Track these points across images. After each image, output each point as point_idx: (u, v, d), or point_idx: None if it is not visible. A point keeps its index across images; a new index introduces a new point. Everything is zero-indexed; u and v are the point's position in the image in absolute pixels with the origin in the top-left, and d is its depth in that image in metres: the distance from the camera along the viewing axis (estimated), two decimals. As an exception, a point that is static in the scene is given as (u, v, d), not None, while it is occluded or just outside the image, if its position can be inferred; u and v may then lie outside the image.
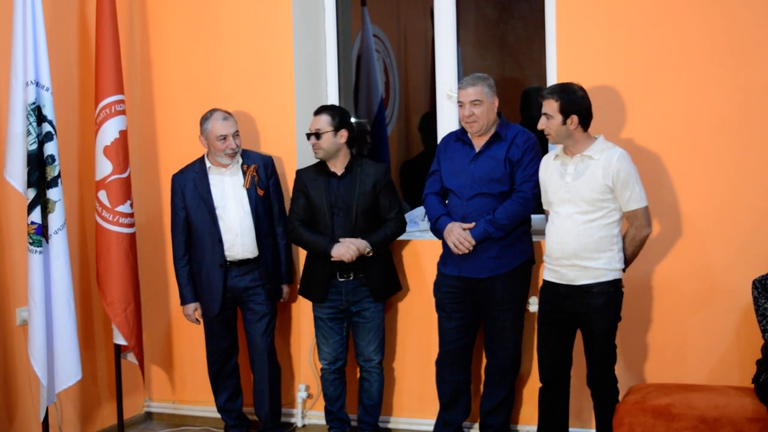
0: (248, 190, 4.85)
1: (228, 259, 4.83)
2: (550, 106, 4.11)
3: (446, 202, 4.65)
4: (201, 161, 4.89)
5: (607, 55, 4.61)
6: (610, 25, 4.60)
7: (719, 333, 4.49)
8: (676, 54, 4.48)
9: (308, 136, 4.72)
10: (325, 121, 4.69)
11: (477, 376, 4.87)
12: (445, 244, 4.58)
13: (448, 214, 4.55)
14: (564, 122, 4.09)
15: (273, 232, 4.97)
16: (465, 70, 5.37)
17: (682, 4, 4.47)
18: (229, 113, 4.81)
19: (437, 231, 4.58)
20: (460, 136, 4.63)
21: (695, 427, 3.93)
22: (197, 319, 4.95)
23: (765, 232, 4.38)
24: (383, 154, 6.13)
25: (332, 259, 4.64)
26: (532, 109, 5.38)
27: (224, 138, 4.74)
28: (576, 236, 4.11)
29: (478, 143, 4.55)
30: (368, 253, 4.67)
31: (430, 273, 4.86)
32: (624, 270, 4.21)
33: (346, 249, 4.62)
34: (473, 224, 4.44)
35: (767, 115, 4.36)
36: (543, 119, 4.14)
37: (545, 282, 4.30)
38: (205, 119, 4.80)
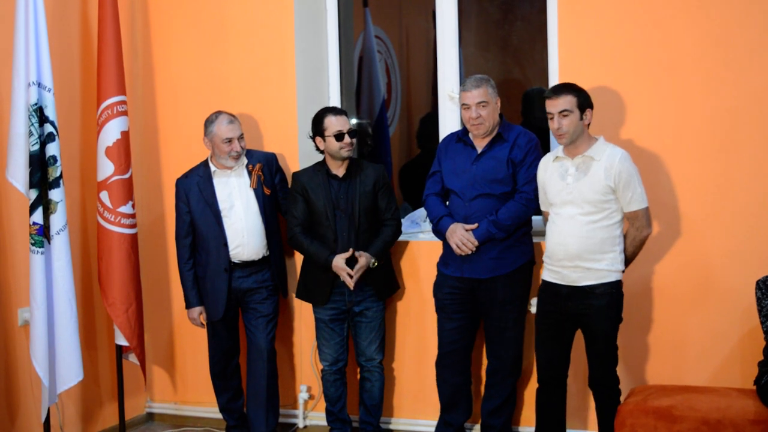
0: (255, 191, 4.85)
1: (233, 260, 4.83)
2: (569, 102, 4.06)
3: (447, 203, 4.65)
4: (205, 165, 4.89)
5: (608, 56, 4.61)
6: (611, 27, 4.59)
7: (721, 334, 4.48)
8: (680, 55, 4.48)
9: (343, 135, 4.64)
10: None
11: (477, 377, 4.87)
12: (446, 245, 4.58)
13: (449, 215, 4.54)
14: (581, 117, 4.08)
15: (281, 230, 4.97)
16: (467, 72, 5.35)
17: (683, 5, 4.46)
18: (234, 116, 4.81)
19: (439, 232, 4.57)
20: (461, 137, 4.63)
21: (697, 429, 3.93)
22: (202, 323, 4.95)
23: (765, 232, 4.38)
24: (385, 155, 6.13)
25: (331, 266, 4.66)
26: (535, 111, 5.38)
27: (229, 141, 4.74)
28: (579, 238, 4.10)
29: (480, 144, 4.54)
30: (373, 264, 4.69)
31: (428, 274, 4.86)
32: (623, 271, 4.21)
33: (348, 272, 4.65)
34: (476, 225, 4.44)
35: (765, 116, 4.36)
36: (559, 117, 4.07)
37: (545, 282, 4.30)
38: (210, 122, 4.79)
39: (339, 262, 4.65)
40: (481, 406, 4.72)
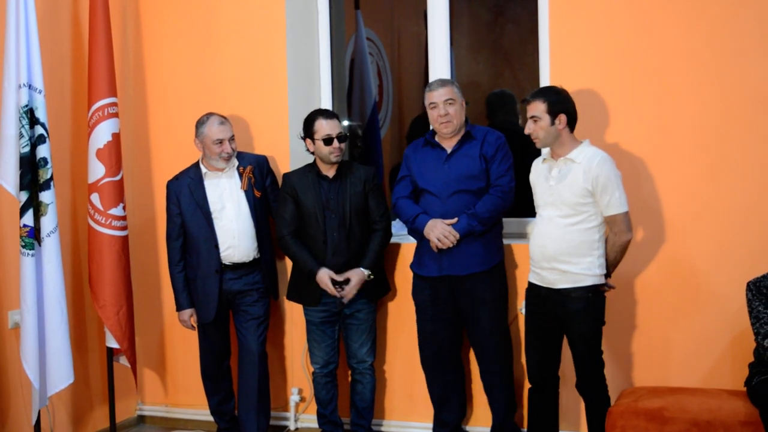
0: (246, 193, 4.84)
1: (224, 262, 4.82)
2: (537, 108, 4.11)
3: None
4: (196, 167, 4.88)
5: (599, 59, 4.61)
6: (602, 30, 4.60)
7: (712, 336, 4.49)
8: (671, 58, 4.49)
9: (332, 140, 4.64)
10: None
11: (471, 377, 4.89)
12: (421, 245, 4.61)
13: (425, 213, 4.55)
14: (552, 122, 4.10)
15: (272, 233, 4.97)
16: (458, 74, 5.37)
17: (676, 8, 4.47)
18: (225, 118, 4.81)
19: (416, 230, 4.58)
20: (428, 140, 4.67)
21: (688, 431, 3.93)
22: (192, 325, 4.94)
23: (757, 234, 4.38)
24: (376, 158, 6.13)
25: (316, 279, 4.66)
26: (499, 114, 5.51)
27: (220, 142, 4.74)
28: (555, 239, 4.11)
29: (449, 144, 4.58)
30: (369, 277, 4.70)
31: (418, 276, 4.88)
32: (609, 275, 4.20)
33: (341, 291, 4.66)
34: (455, 219, 4.46)
35: (758, 120, 4.37)
36: (530, 123, 4.14)
37: (530, 284, 4.31)
38: (201, 123, 4.79)
39: (324, 277, 4.64)
40: (491, 410, 4.72)
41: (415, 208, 4.59)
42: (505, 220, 4.73)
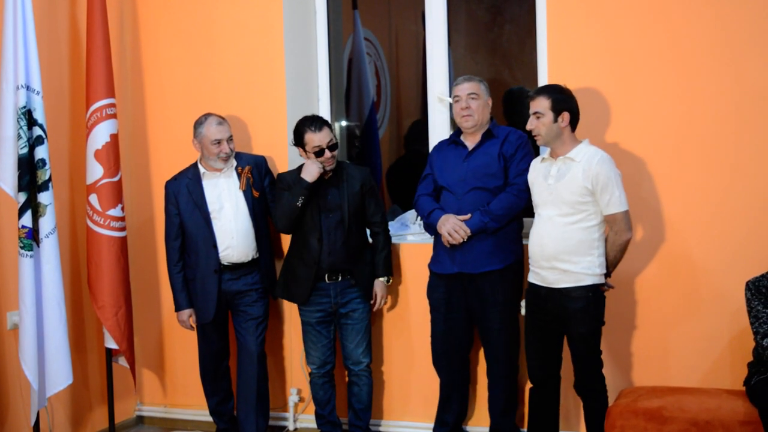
0: (244, 192, 4.84)
1: (223, 262, 4.82)
2: (541, 104, 4.11)
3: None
4: (194, 167, 4.88)
5: (598, 58, 4.62)
6: (601, 29, 4.61)
7: (712, 336, 4.49)
8: (668, 57, 4.49)
9: (323, 151, 4.62)
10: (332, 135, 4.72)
11: (475, 379, 4.89)
12: (438, 242, 4.59)
13: (441, 209, 4.56)
14: (555, 119, 4.10)
15: (270, 233, 4.96)
16: (456, 73, 5.36)
17: (673, 7, 4.48)
18: (223, 118, 4.81)
19: (430, 225, 4.58)
20: (453, 139, 4.68)
21: (687, 430, 3.94)
22: (191, 326, 4.94)
23: (756, 233, 4.39)
24: (374, 158, 6.13)
25: (308, 180, 4.60)
26: (516, 111, 5.46)
27: (218, 142, 4.74)
28: (554, 239, 4.11)
29: (471, 142, 4.59)
30: (388, 281, 4.83)
31: (415, 275, 4.88)
32: (609, 275, 4.21)
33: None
34: (469, 215, 4.46)
35: (756, 119, 4.37)
36: (533, 119, 4.14)
37: (529, 284, 4.31)
38: (199, 123, 4.79)
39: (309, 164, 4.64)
40: (489, 409, 4.72)
41: (433, 204, 4.61)
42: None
